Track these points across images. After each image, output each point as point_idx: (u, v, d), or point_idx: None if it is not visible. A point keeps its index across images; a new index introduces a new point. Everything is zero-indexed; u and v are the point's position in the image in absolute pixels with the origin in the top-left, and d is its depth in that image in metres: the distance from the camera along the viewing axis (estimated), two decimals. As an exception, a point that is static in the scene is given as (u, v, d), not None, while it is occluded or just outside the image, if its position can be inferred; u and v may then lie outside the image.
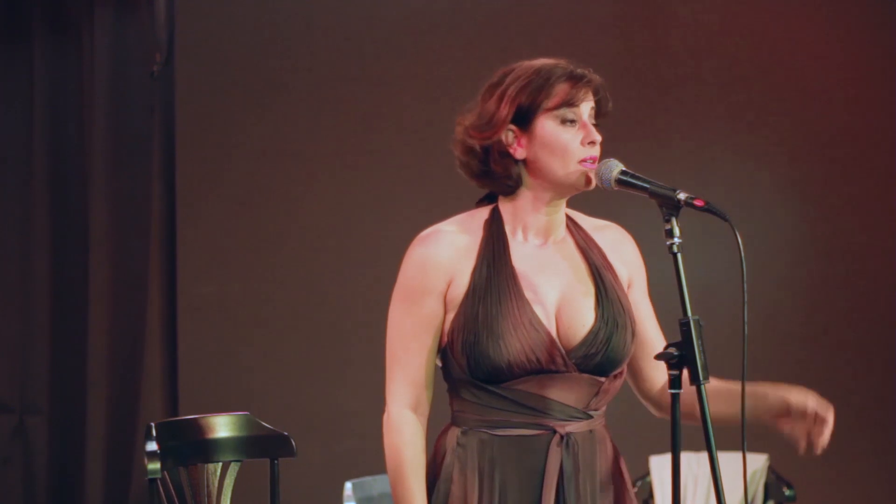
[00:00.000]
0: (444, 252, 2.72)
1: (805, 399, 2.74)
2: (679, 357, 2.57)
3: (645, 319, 2.83)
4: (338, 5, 6.05)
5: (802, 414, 2.73)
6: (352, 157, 6.04)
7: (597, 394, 2.71)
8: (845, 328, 6.16)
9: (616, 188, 2.69)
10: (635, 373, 2.84)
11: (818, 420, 2.73)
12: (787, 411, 2.74)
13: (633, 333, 2.74)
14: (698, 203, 2.61)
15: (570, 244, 2.79)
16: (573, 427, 2.69)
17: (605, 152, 2.74)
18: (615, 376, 2.73)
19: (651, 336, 2.83)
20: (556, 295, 2.71)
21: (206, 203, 6.03)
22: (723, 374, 2.85)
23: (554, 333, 2.68)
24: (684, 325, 2.56)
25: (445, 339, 2.71)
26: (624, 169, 2.69)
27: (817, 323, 6.14)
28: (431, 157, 5.69)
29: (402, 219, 5.81)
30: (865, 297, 6.17)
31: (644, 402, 2.88)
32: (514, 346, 2.65)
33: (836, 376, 6.13)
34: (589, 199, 2.84)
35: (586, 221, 2.85)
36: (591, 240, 2.81)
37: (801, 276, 6.14)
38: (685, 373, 2.57)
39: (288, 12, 6.04)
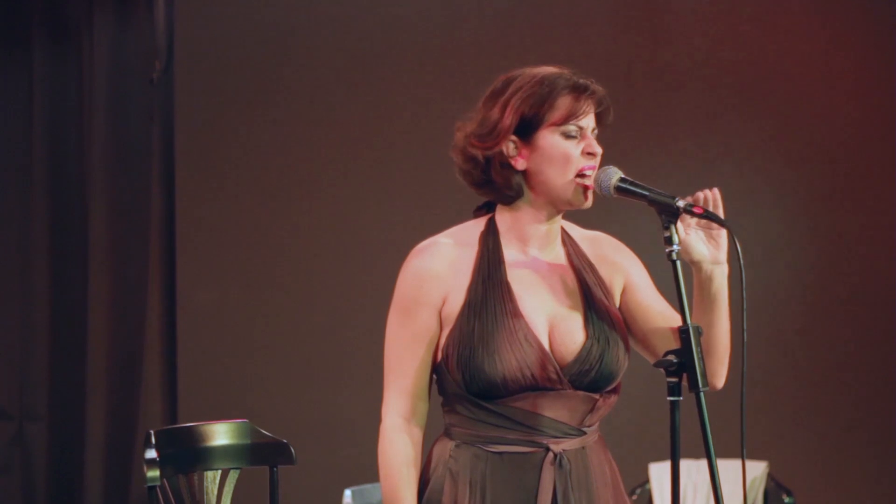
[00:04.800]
0: (440, 265, 2.72)
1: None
2: (678, 364, 2.57)
3: (657, 307, 2.80)
4: (337, 12, 6.06)
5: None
6: (352, 163, 6.05)
7: (591, 410, 2.71)
8: (845, 333, 6.16)
9: (615, 195, 2.69)
10: (655, 354, 2.79)
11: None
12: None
13: (626, 349, 2.74)
14: (697, 210, 2.61)
15: (563, 259, 2.79)
16: (567, 444, 2.69)
17: (605, 157, 2.74)
18: (609, 392, 2.73)
19: (666, 317, 2.79)
20: (549, 311, 2.71)
21: (205, 209, 6.04)
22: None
23: (548, 349, 2.68)
24: (684, 333, 2.56)
25: (441, 354, 2.71)
26: (623, 176, 2.69)
27: (817, 327, 6.14)
28: (432, 163, 5.70)
29: (403, 225, 5.82)
30: (865, 303, 6.17)
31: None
32: (509, 361, 2.64)
33: (836, 383, 6.13)
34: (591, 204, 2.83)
35: (576, 232, 2.85)
36: (583, 254, 2.81)
37: (801, 280, 6.14)
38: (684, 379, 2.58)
39: (287, 19, 6.05)
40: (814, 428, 6.12)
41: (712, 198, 2.66)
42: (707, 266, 2.68)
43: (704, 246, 2.68)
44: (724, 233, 2.68)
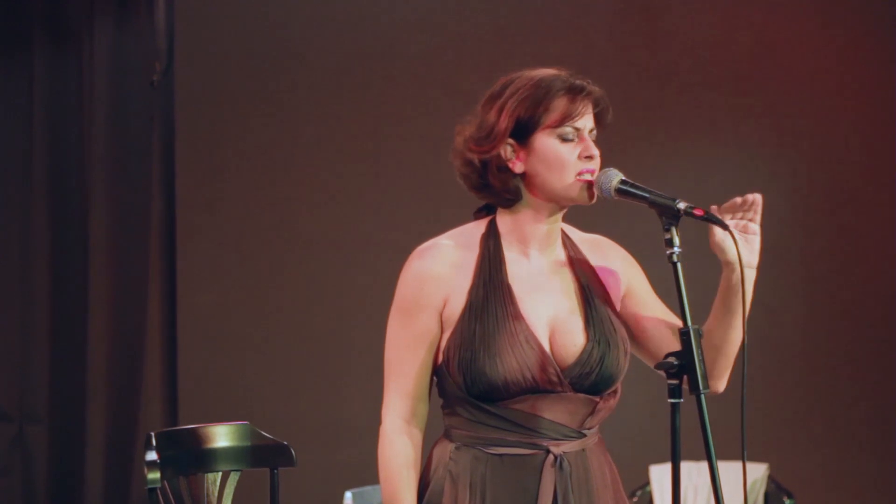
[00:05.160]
0: (441, 267, 2.72)
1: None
2: (679, 366, 2.57)
3: (656, 311, 2.82)
4: (338, 14, 6.06)
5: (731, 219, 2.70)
6: (352, 165, 6.05)
7: (591, 413, 2.71)
8: (845, 336, 6.16)
9: (616, 198, 2.69)
10: (655, 358, 2.80)
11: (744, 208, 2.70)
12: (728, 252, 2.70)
13: (626, 352, 2.74)
14: (698, 212, 2.61)
15: (564, 261, 2.79)
16: (567, 447, 2.69)
17: (604, 159, 2.74)
18: (609, 395, 2.73)
19: (665, 321, 2.80)
20: (550, 313, 2.71)
21: (205, 212, 6.04)
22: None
23: (548, 352, 2.68)
24: (684, 335, 2.56)
25: (442, 356, 2.71)
26: (623, 178, 2.68)
27: (817, 330, 6.14)
28: (433, 165, 5.69)
29: (403, 228, 5.82)
30: (866, 305, 6.17)
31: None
32: (510, 364, 2.64)
33: (837, 386, 6.13)
34: (591, 207, 2.83)
35: (576, 235, 2.85)
36: (583, 256, 2.81)
37: (802, 281, 6.14)
38: (685, 382, 2.58)
39: (288, 22, 6.05)
40: (814, 430, 6.12)
41: (755, 203, 2.68)
42: (747, 268, 2.68)
43: (742, 248, 2.68)
44: (758, 237, 2.69)
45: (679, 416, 2.56)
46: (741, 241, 2.68)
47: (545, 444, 2.68)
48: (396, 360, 2.73)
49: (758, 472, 5.52)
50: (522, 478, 2.67)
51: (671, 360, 2.57)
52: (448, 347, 2.69)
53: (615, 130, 2.81)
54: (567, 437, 2.69)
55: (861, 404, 6.14)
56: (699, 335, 2.57)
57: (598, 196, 2.70)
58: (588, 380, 2.68)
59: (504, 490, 2.68)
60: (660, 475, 5.50)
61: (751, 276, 2.70)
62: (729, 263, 2.68)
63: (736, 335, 2.74)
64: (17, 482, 6.14)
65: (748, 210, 2.68)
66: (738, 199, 2.68)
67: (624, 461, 2.86)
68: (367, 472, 4.91)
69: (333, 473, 5.77)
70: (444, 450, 2.73)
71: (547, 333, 2.70)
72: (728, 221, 2.67)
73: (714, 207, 2.69)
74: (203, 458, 3.34)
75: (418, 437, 2.74)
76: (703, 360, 2.56)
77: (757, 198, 2.68)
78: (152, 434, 3.18)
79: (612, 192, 2.68)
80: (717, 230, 2.67)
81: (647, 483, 5.52)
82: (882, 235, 6.18)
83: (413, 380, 2.72)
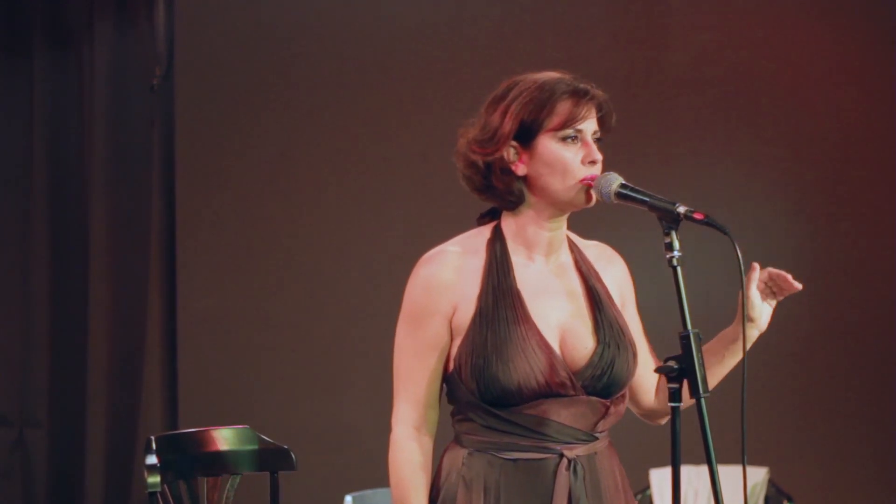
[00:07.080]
0: (449, 274, 2.72)
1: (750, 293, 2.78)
2: (679, 370, 2.57)
3: (637, 336, 2.84)
4: (338, 19, 6.06)
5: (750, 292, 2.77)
6: (354, 170, 6.05)
7: (603, 416, 2.71)
8: (844, 341, 6.15)
9: (615, 202, 2.69)
10: (631, 388, 2.85)
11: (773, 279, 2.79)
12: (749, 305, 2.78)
13: (634, 354, 2.75)
14: (698, 216, 2.61)
15: (570, 265, 2.79)
16: (580, 450, 2.70)
17: (604, 161, 2.74)
18: (619, 399, 2.74)
19: (643, 352, 2.85)
20: (559, 317, 2.72)
21: (205, 216, 6.04)
22: (722, 386, 2.85)
23: (560, 356, 2.68)
24: (684, 339, 2.56)
25: (453, 364, 2.71)
26: (623, 182, 2.68)
27: (816, 334, 6.14)
28: (436, 170, 5.70)
29: (405, 233, 5.82)
30: (865, 309, 6.17)
31: (639, 415, 2.91)
32: (523, 369, 2.64)
33: (837, 390, 6.13)
34: (591, 212, 2.83)
35: (579, 241, 2.86)
36: (588, 261, 2.82)
37: (802, 286, 6.13)
38: (685, 386, 2.58)
39: (288, 26, 6.05)
40: (815, 434, 6.11)
41: (793, 289, 2.79)
42: (755, 328, 2.79)
43: (763, 309, 2.78)
44: (771, 309, 2.79)
45: (679, 419, 2.57)
46: (763, 302, 2.78)
47: (558, 448, 2.68)
48: (405, 367, 2.73)
49: (758, 475, 5.52)
50: (536, 482, 2.68)
51: (671, 363, 2.58)
52: (459, 354, 2.69)
53: (614, 133, 2.81)
54: (579, 441, 2.70)
55: (861, 408, 6.13)
56: (699, 339, 2.58)
57: (597, 200, 2.71)
58: (600, 382, 2.69)
59: (518, 494, 2.68)
60: (660, 479, 5.50)
61: (755, 336, 2.80)
62: (752, 319, 2.77)
63: (719, 377, 2.82)
64: (18, 486, 6.15)
65: (779, 287, 2.78)
66: (789, 277, 2.77)
67: (624, 465, 2.86)
68: (367, 475, 4.92)
69: (334, 477, 5.77)
70: (456, 456, 2.73)
71: (557, 337, 2.70)
72: (762, 280, 2.78)
73: (755, 264, 2.78)
74: (203, 462, 3.34)
75: (428, 443, 2.74)
76: (703, 364, 2.56)
77: (798, 287, 2.78)
78: (152, 438, 3.18)
79: (612, 196, 2.68)
80: (752, 290, 2.75)
81: (648, 487, 5.52)
82: (884, 240, 6.18)
83: (423, 387, 2.72)
